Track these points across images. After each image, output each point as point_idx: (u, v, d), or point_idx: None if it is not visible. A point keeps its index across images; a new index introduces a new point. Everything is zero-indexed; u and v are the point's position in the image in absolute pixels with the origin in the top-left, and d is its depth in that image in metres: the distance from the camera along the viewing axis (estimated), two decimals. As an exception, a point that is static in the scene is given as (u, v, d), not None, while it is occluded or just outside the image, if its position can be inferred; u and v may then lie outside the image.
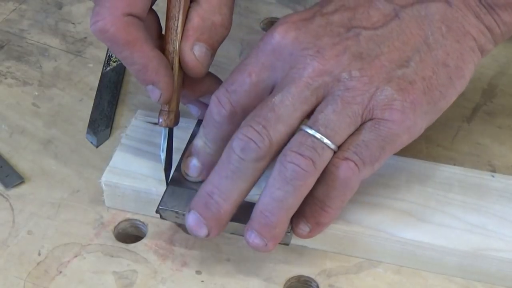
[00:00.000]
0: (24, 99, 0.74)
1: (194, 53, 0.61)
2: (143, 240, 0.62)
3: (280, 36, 0.57)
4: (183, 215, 0.59)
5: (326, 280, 0.60)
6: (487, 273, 0.59)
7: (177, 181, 0.61)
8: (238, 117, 0.58)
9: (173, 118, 0.62)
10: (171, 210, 0.59)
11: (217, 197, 0.56)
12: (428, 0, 0.57)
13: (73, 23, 0.82)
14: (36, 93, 0.74)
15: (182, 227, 0.63)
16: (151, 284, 0.59)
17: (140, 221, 0.64)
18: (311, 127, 0.55)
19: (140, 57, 0.58)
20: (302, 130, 0.55)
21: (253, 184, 0.56)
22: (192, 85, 0.63)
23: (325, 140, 0.54)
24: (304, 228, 0.57)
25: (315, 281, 0.60)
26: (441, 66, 0.56)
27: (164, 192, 0.61)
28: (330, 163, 0.55)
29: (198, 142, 0.60)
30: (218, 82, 0.65)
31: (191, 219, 0.57)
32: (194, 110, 0.66)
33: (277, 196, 0.55)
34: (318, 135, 0.54)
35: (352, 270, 0.60)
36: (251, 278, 0.60)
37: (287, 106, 0.55)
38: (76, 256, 0.61)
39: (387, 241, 0.59)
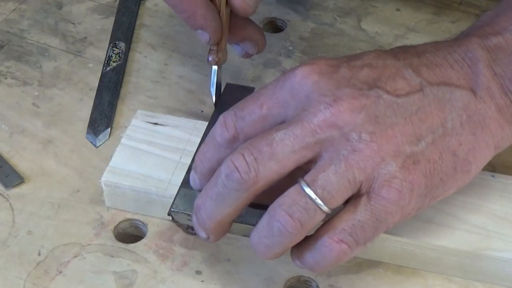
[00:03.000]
0: (24, 99, 0.74)
1: None
2: (143, 240, 0.62)
3: (301, 77, 0.55)
4: None
5: (326, 280, 0.60)
6: (487, 273, 0.59)
7: (189, 183, 0.61)
8: (238, 144, 0.56)
9: (221, 57, 0.68)
10: (183, 213, 0.59)
11: (203, 213, 0.56)
12: (455, 84, 0.56)
13: (73, 23, 0.82)
14: (36, 93, 0.74)
15: (182, 227, 0.63)
16: (151, 284, 0.59)
17: (140, 221, 0.64)
18: (308, 186, 0.53)
19: (189, 4, 0.64)
20: (299, 185, 0.53)
21: (239, 210, 0.55)
22: (233, 31, 0.68)
23: (320, 203, 0.53)
24: (300, 265, 0.56)
25: (315, 281, 0.60)
26: (450, 154, 0.55)
27: (176, 195, 0.60)
28: (323, 242, 0.53)
29: (196, 158, 0.59)
30: (259, 31, 0.70)
31: (194, 221, 0.57)
32: (238, 49, 0.71)
33: (264, 243, 0.54)
34: (313, 196, 0.52)
35: (352, 270, 0.61)
36: (251, 278, 0.60)
37: (286, 146, 0.53)
38: (76, 256, 0.61)
39: (387, 241, 0.60)
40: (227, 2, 0.66)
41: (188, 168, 0.62)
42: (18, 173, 0.67)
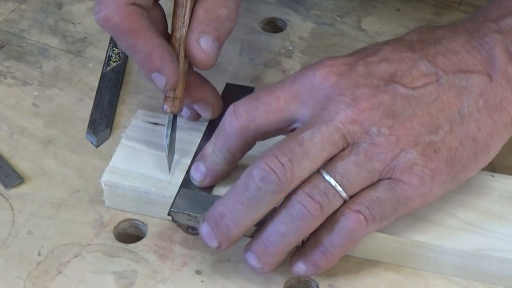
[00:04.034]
0: (24, 99, 0.74)
1: (200, 45, 0.61)
2: (143, 240, 0.62)
3: (321, 78, 0.57)
4: (195, 217, 0.59)
5: (326, 280, 0.60)
6: (487, 273, 0.59)
7: (189, 184, 0.61)
8: (249, 134, 0.58)
9: (178, 105, 0.62)
10: (183, 213, 0.59)
11: (228, 220, 0.56)
12: (471, 71, 0.57)
13: (73, 23, 0.82)
14: (36, 93, 0.74)
15: (182, 227, 0.63)
16: (151, 284, 0.59)
17: (140, 221, 0.64)
18: (328, 173, 0.55)
19: (144, 45, 0.59)
20: (318, 173, 0.55)
21: (266, 213, 0.56)
22: (188, 90, 0.63)
23: (339, 189, 0.54)
24: (301, 267, 0.57)
25: (315, 281, 0.60)
26: (470, 140, 0.56)
27: (176, 195, 0.60)
28: (340, 212, 0.55)
29: (208, 148, 0.60)
30: (215, 94, 0.65)
31: (204, 230, 0.57)
32: (184, 112, 0.66)
33: (279, 230, 0.55)
34: (333, 182, 0.54)
35: (352, 270, 0.60)
36: (251, 278, 0.60)
37: (316, 144, 0.55)
38: (76, 256, 0.61)
39: (387, 241, 0.59)
40: (185, 52, 0.61)
41: (188, 168, 0.62)
42: (18, 173, 0.67)
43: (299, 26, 0.81)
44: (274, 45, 0.79)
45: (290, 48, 0.79)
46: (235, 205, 0.55)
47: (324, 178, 0.54)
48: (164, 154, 0.63)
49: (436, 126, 0.56)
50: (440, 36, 0.59)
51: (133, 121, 0.68)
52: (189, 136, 0.66)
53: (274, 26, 0.82)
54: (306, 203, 0.54)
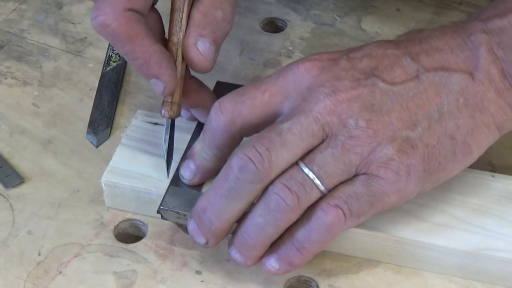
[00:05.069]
0: (24, 99, 0.74)
1: (198, 48, 0.61)
2: (143, 240, 0.63)
3: (304, 70, 0.57)
4: (184, 215, 0.59)
5: (326, 280, 0.60)
6: (487, 273, 0.59)
7: (178, 182, 0.61)
8: (235, 128, 0.58)
9: (176, 109, 0.62)
10: (172, 211, 0.59)
11: (210, 214, 0.56)
12: (453, 69, 0.57)
13: (73, 23, 0.82)
14: (36, 93, 0.74)
15: (182, 227, 0.63)
16: (151, 284, 0.59)
17: (140, 221, 0.64)
18: (305, 165, 0.55)
19: (142, 51, 0.59)
20: (296, 165, 0.55)
21: (248, 204, 0.56)
22: (186, 95, 0.63)
23: (316, 181, 0.54)
24: (274, 264, 0.57)
25: (315, 281, 0.60)
26: (448, 138, 0.56)
27: (165, 193, 0.61)
28: (318, 206, 0.55)
29: (196, 145, 0.60)
30: (213, 99, 0.64)
31: (191, 227, 0.58)
32: (184, 113, 0.66)
33: (257, 222, 0.55)
34: (310, 174, 0.54)
35: (352, 270, 0.61)
36: (251, 278, 0.60)
37: (294, 134, 0.55)
38: (76, 256, 0.61)
39: (387, 241, 0.59)
40: (183, 56, 0.61)
41: (178, 166, 0.62)
42: (18, 173, 0.67)
43: (299, 26, 0.81)
44: (274, 45, 0.79)
45: (290, 48, 0.79)
46: (215, 198, 0.56)
47: (302, 169, 0.55)
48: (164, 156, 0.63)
49: (414, 122, 0.56)
50: (427, 35, 0.59)
51: (133, 121, 0.68)
52: (188, 136, 0.66)
53: (274, 26, 0.82)
54: (283, 193, 0.54)
